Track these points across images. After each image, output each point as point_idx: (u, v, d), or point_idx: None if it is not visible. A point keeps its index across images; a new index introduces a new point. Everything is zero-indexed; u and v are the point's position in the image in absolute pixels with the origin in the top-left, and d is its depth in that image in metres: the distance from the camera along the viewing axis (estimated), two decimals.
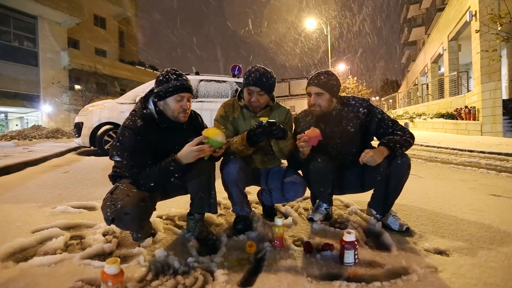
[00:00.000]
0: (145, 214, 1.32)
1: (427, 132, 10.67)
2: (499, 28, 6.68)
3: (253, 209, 1.79)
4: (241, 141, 1.49)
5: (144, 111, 1.39)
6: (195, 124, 1.54)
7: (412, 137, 1.58)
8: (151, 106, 1.41)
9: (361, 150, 1.62)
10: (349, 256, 1.20)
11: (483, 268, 1.19)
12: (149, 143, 1.34)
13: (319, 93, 1.60)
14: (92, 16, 19.89)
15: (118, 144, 1.37)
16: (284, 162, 1.79)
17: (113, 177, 1.46)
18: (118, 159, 1.45)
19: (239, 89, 1.82)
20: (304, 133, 1.47)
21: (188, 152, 1.28)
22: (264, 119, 1.42)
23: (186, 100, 1.41)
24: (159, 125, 1.40)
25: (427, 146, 6.61)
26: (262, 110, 1.68)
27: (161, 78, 1.39)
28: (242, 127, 1.65)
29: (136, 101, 5.51)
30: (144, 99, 1.44)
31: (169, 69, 1.42)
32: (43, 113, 16.57)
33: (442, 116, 10.67)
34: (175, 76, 1.38)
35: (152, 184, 1.31)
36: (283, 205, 2.02)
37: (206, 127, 1.54)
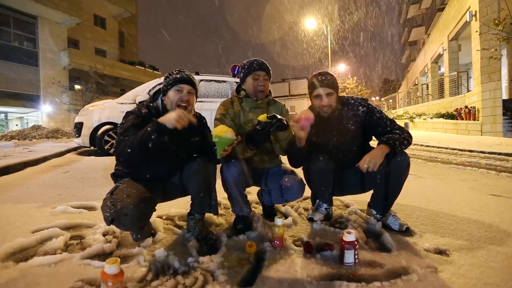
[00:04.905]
0: (144, 215, 1.32)
1: (427, 132, 10.67)
2: (499, 29, 6.69)
3: (253, 209, 1.79)
4: (241, 145, 1.47)
5: (152, 104, 1.48)
6: (198, 124, 1.54)
7: (410, 136, 1.58)
8: (159, 101, 1.49)
9: (361, 149, 1.62)
10: (349, 256, 1.20)
11: (483, 268, 1.19)
12: None
13: (330, 93, 1.64)
14: (92, 16, 19.87)
15: (120, 126, 1.40)
16: (284, 162, 1.79)
17: (115, 176, 1.47)
18: None
19: None
20: (298, 115, 1.45)
21: (171, 113, 1.26)
22: (262, 117, 1.39)
23: (187, 92, 1.44)
24: None
25: (427, 146, 6.61)
26: (261, 100, 1.68)
27: (166, 75, 1.50)
28: (242, 120, 1.66)
29: (136, 101, 5.47)
30: (154, 94, 1.53)
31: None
32: (43, 113, 16.54)
33: (442, 116, 10.67)
34: (177, 71, 1.48)
35: (129, 151, 1.26)
36: (283, 205, 2.01)
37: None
